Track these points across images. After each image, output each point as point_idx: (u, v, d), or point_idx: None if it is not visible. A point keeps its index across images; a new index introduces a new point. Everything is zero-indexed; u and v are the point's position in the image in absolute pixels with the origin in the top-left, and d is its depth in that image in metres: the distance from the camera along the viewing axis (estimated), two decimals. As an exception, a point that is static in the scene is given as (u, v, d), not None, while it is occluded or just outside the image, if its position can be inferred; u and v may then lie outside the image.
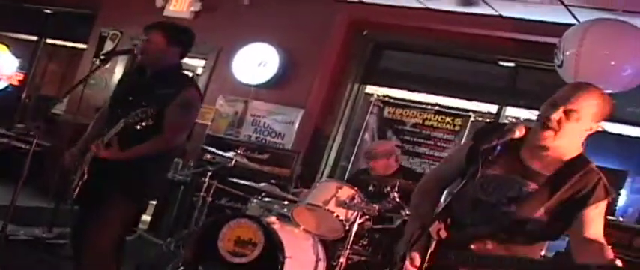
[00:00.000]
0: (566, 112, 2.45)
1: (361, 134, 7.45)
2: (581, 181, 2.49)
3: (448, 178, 2.86)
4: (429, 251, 2.36)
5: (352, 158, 7.44)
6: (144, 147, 3.74)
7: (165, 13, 8.12)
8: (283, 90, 7.40)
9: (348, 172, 7.28)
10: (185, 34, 4.07)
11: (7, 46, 10.12)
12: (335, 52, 7.33)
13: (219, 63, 7.86)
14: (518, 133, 2.50)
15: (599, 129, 2.52)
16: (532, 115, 8.08)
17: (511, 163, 2.59)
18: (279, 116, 7.36)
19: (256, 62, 7.42)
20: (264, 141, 7.34)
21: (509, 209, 2.53)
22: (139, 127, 3.58)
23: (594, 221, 2.45)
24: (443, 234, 2.34)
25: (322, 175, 7.17)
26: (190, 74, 6.53)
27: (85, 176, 3.73)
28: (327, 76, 7.31)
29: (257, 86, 7.47)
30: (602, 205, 2.48)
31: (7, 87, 10.51)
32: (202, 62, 8.25)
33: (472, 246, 2.52)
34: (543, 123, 2.48)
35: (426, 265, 2.38)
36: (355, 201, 4.59)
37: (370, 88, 7.60)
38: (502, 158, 2.53)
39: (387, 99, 7.42)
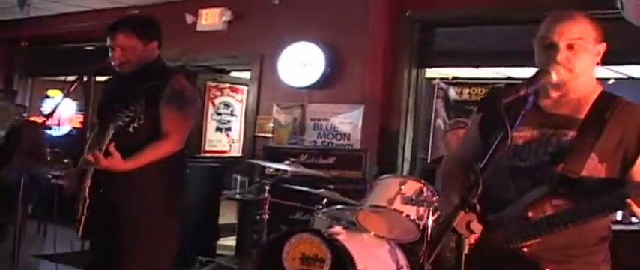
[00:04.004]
0: (570, 47, 2.19)
1: (433, 122, 6.96)
2: (623, 113, 2.21)
3: (468, 157, 2.46)
4: (463, 254, 1.81)
5: (430, 149, 6.97)
6: (147, 153, 3.27)
7: (198, 28, 7.80)
8: (337, 88, 6.94)
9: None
10: (152, 24, 3.64)
11: (61, 90, 10.10)
12: (380, 39, 6.82)
13: (264, 71, 7.48)
14: (556, 76, 2.14)
15: (603, 48, 2.27)
16: (611, 72, 7.47)
17: (535, 118, 2.24)
18: (340, 116, 6.89)
19: (302, 63, 6.99)
20: (330, 144, 6.91)
21: (556, 167, 2.15)
22: (131, 129, 3.14)
23: None
24: (476, 228, 1.79)
25: (402, 171, 6.68)
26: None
27: (87, 201, 3.27)
28: (379, 66, 6.82)
29: (309, 88, 7.04)
30: None
31: (70, 131, 10.50)
32: (247, 73, 7.91)
33: (529, 214, 2.14)
34: (554, 70, 2.16)
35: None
36: (424, 195, 4.06)
37: (430, 72, 7.09)
38: (525, 116, 2.14)
39: (451, 80, 6.92)
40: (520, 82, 2.08)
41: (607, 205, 2.01)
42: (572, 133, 2.20)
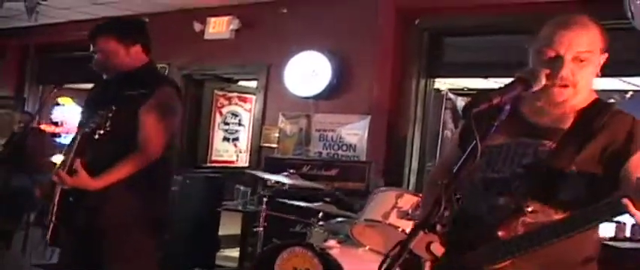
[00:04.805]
0: (576, 60, 1.99)
1: (441, 133, 6.81)
2: (612, 124, 2.01)
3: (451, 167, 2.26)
4: None
5: (437, 160, 6.81)
6: (119, 169, 3.14)
7: (206, 36, 7.75)
8: (343, 98, 6.82)
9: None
10: (136, 26, 3.53)
11: (71, 97, 10.04)
12: (388, 48, 6.66)
13: (271, 80, 7.38)
14: (544, 80, 1.94)
15: (604, 58, 2.06)
16: (626, 84, 7.28)
17: (513, 125, 2.03)
18: (346, 127, 6.76)
19: (308, 72, 6.88)
20: (335, 155, 6.78)
21: (531, 179, 1.98)
22: (96, 135, 3.01)
23: None
24: (436, 250, 1.66)
25: (408, 183, 6.54)
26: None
27: (55, 211, 3.16)
28: (387, 76, 6.66)
29: (315, 98, 6.93)
30: None
31: (78, 138, 10.43)
32: (254, 83, 7.83)
33: (500, 233, 1.94)
34: (556, 83, 1.97)
35: None
36: (420, 209, 3.97)
37: (439, 83, 6.93)
38: (500, 126, 1.89)
39: (460, 91, 6.77)
40: (495, 90, 1.89)
41: (583, 220, 1.81)
42: (550, 144, 2.02)
